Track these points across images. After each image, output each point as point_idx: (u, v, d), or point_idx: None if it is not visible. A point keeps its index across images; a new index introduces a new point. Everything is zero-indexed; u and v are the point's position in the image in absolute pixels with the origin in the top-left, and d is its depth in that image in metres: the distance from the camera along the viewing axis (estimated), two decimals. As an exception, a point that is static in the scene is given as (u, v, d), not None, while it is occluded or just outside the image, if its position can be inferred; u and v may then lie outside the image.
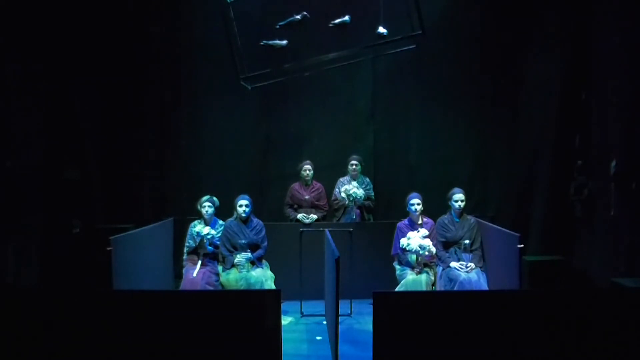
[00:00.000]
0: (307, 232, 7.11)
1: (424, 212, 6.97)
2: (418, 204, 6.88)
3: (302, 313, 6.89)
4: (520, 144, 8.18)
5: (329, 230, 6.52)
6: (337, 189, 7.76)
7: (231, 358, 4.39)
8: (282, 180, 8.25)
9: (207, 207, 6.83)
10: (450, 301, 4.58)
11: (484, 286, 6.40)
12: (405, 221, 6.98)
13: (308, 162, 7.83)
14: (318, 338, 6.21)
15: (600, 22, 7.08)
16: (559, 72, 7.61)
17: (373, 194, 7.85)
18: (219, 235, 6.81)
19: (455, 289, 6.36)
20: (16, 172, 6.65)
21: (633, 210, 6.35)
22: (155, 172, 8.35)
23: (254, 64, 7.29)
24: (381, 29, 7.05)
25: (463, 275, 6.44)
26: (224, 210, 7.03)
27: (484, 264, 6.67)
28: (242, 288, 6.46)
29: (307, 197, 7.74)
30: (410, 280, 6.56)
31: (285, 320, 6.56)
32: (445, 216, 6.92)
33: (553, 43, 7.68)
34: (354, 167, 7.72)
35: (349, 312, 6.84)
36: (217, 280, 6.66)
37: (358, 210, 7.66)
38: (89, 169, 7.98)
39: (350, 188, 7.43)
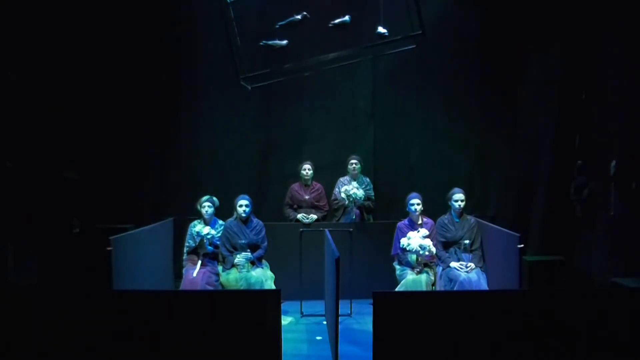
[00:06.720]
0: (307, 232, 7.11)
1: (424, 212, 6.97)
2: (418, 204, 6.88)
3: (302, 313, 6.89)
4: (520, 144, 8.18)
5: (329, 230, 6.52)
6: (337, 189, 7.75)
7: (231, 358, 4.39)
8: (282, 180, 8.24)
9: (207, 207, 6.83)
10: (450, 301, 4.58)
11: (484, 286, 6.40)
12: (405, 221, 6.98)
13: (308, 162, 7.83)
14: (318, 338, 6.21)
15: (600, 22, 7.07)
16: (559, 72, 7.60)
17: (373, 194, 7.84)
18: (219, 235, 6.81)
19: (455, 289, 6.36)
20: (16, 172, 6.65)
21: (633, 210, 6.35)
22: (155, 172, 8.35)
23: (254, 64, 7.30)
24: (381, 29, 7.04)
25: (463, 275, 6.44)
26: (224, 210, 7.03)
27: (484, 264, 6.67)
28: (242, 288, 6.46)
29: (307, 197, 7.74)
30: (410, 280, 6.56)
31: (285, 320, 6.56)
32: (445, 216, 6.92)
33: (553, 43, 7.66)
34: (353, 167, 7.72)
35: (349, 312, 6.85)
36: (217, 280, 6.66)
37: (358, 211, 7.65)
38: (89, 169, 7.97)
39: (350, 188, 7.43)
